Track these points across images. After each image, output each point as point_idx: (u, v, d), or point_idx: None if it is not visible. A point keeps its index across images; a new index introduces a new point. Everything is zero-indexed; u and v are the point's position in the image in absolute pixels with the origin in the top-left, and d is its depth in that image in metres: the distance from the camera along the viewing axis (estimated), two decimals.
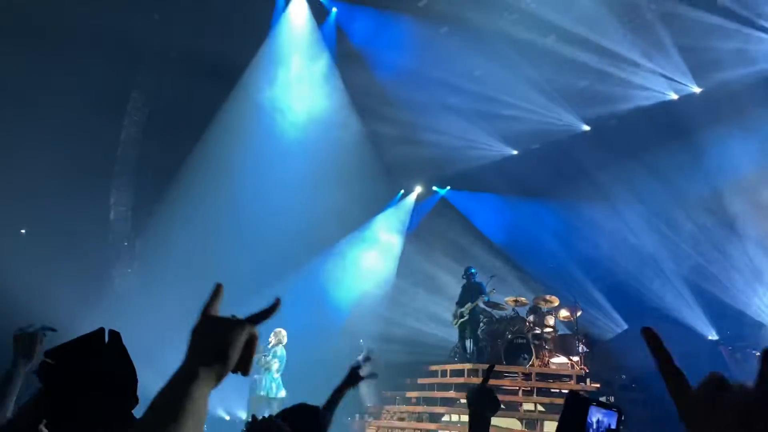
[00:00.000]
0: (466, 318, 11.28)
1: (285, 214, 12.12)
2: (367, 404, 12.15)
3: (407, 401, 11.37)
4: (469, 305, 11.23)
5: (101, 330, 1.78)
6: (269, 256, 12.00)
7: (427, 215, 15.94)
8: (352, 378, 3.48)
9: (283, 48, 12.78)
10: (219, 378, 1.03)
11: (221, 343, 1.04)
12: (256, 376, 9.73)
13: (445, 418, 10.45)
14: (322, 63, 12.85)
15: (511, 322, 11.15)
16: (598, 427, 1.66)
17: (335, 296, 14.31)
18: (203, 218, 12.01)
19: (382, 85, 12.70)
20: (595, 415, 1.66)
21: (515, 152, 14.31)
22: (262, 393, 9.70)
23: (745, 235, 11.34)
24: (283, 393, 9.74)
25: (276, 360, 9.82)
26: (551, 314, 11.40)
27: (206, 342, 1.04)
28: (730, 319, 11.22)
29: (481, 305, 11.45)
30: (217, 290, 1.11)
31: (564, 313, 11.46)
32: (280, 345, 9.93)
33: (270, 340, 9.94)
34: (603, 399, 1.73)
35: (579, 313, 11.24)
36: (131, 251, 13.57)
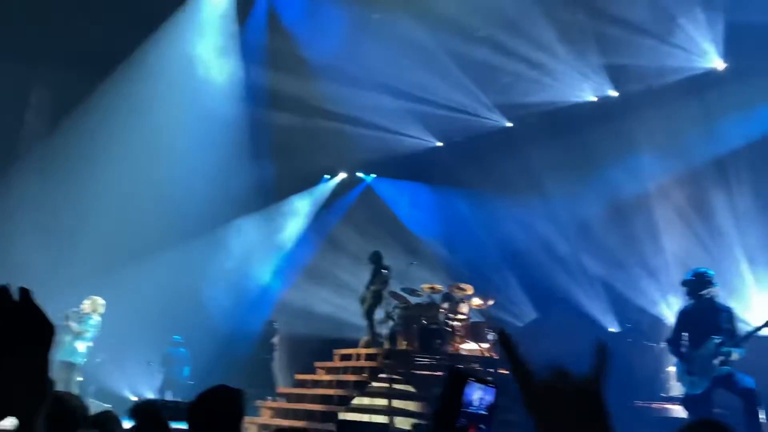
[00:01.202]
0: (370, 302, 11.42)
1: (190, 188, 11.96)
2: (277, 386, 12.08)
3: (318, 384, 11.35)
4: (372, 288, 11.36)
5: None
6: (173, 222, 11.87)
7: (351, 201, 16.01)
8: None
9: (210, 14, 12.53)
10: None
11: None
12: (66, 338, 9.47)
13: (356, 401, 10.51)
14: (250, 37, 12.64)
15: (425, 308, 11.32)
16: (480, 404, 1.66)
17: (250, 273, 14.23)
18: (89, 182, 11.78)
19: (311, 66, 12.63)
20: (476, 392, 1.65)
21: (440, 144, 14.53)
22: (65, 358, 9.44)
23: (649, 235, 11.98)
24: (83, 360, 9.61)
25: (87, 328, 9.59)
26: (465, 302, 11.67)
27: None
28: (631, 313, 11.84)
29: (400, 291, 11.59)
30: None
31: (477, 301, 11.75)
32: (95, 313, 9.71)
33: (83, 306, 9.71)
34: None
35: (491, 302, 11.55)
36: None
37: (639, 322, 11.59)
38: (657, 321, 11.44)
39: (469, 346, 11.31)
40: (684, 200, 11.64)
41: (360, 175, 16.30)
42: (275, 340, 12.96)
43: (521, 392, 0.89)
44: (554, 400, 0.87)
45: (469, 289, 11.72)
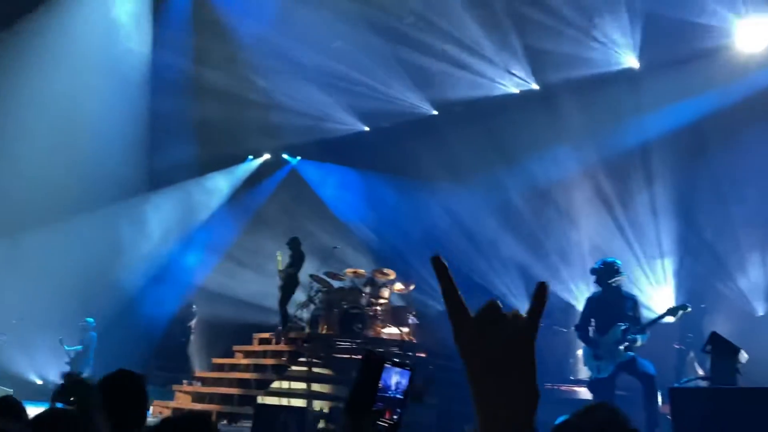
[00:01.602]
0: (285, 286, 11.40)
1: (105, 157, 11.48)
2: (193, 369, 11.84)
3: (235, 368, 11.20)
4: (288, 270, 11.31)
5: None
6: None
7: (275, 184, 15.79)
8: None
9: None
10: None
11: None
12: None
13: (275, 385, 10.45)
14: (173, 5, 12.20)
15: (347, 292, 11.36)
16: (396, 389, 1.66)
17: (167, 251, 13.85)
18: None
19: (238, 45, 12.33)
20: (393, 377, 1.65)
21: (366, 128, 14.52)
22: None
23: (565, 224, 12.45)
24: None
25: None
26: (386, 287, 11.79)
27: None
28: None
29: (322, 275, 11.57)
30: None
31: (399, 286, 11.90)
32: None
33: None
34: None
35: (412, 287, 11.72)
36: None
37: (551, 307, 12.07)
38: (569, 307, 11.94)
39: (389, 330, 11.45)
40: (598, 191, 12.15)
41: (285, 156, 16.10)
42: (192, 323, 12.67)
43: (453, 325, 0.85)
44: (486, 336, 0.83)
45: (392, 274, 11.84)
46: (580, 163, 12.05)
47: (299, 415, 7.07)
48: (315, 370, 10.28)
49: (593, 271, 7.29)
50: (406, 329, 11.31)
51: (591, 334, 7.16)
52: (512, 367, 0.82)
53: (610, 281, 7.09)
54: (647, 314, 8.02)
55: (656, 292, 10.96)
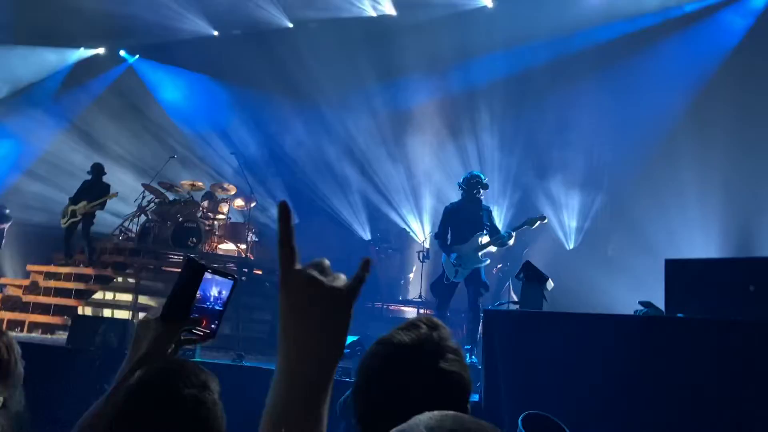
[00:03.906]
0: (77, 218, 10.29)
1: None
2: (5, 275, 10.89)
3: (54, 276, 10.42)
4: (84, 204, 10.27)
5: None
6: None
7: (108, 83, 14.43)
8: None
9: None
10: None
11: None
12: None
13: (97, 296, 9.91)
14: None
15: (184, 205, 10.89)
16: (216, 300, 1.62)
17: None
18: None
19: None
20: (213, 288, 1.61)
21: (215, 33, 13.63)
22: None
23: (408, 155, 12.76)
24: None
25: None
26: (226, 202, 11.46)
27: None
28: (382, 223, 12.69)
29: (156, 185, 10.93)
30: None
31: (239, 202, 11.62)
32: None
33: None
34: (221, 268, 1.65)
35: (253, 204, 11.49)
36: None
37: (387, 232, 12.48)
38: (403, 232, 12.42)
39: (226, 246, 11.22)
40: (443, 124, 12.53)
41: (122, 53, 14.72)
42: (5, 227, 11.49)
43: (281, 271, 0.88)
44: (309, 291, 0.87)
45: (232, 189, 11.52)
46: (427, 95, 12.30)
47: (121, 327, 6.76)
48: (142, 282, 9.86)
49: (461, 182, 7.57)
50: (243, 246, 11.14)
51: (449, 241, 7.50)
52: (324, 327, 0.88)
53: (474, 192, 7.43)
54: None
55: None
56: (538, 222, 7.34)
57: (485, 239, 7.38)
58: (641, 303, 4.84)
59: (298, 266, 0.89)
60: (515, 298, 6.51)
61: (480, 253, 7.36)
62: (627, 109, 10.29)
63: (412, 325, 1.37)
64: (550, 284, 5.56)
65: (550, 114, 11.16)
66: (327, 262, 0.92)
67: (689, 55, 10.08)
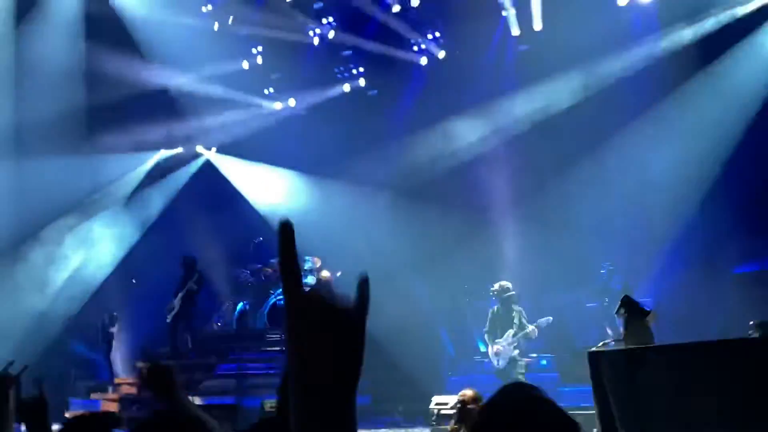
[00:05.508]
0: (176, 310, 10.57)
1: None
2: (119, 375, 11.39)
3: None
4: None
5: None
6: None
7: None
8: None
9: None
10: None
11: None
12: None
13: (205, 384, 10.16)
14: None
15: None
16: None
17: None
18: None
19: None
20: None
21: None
22: None
23: None
24: None
25: None
26: (312, 273, 11.58)
27: None
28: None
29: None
30: None
31: (325, 273, 11.72)
32: None
33: None
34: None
35: (339, 273, 11.47)
36: None
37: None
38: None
39: None
40: None
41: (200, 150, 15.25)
42: (114, 329, 12.09)
43: (286, 297, 0.82)
44: (317, 313, 0.81)
45: (318, 262, 11.64)
46: None
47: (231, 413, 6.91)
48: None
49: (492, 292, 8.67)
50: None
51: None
52: (339, 351, 0.81)
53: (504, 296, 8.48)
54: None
55: None
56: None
57: None
58: (756, 324, 4.55)
59: (304, 290, 0.82)
60: (610, 334, 6.26)
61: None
62: None
63: (507, 388, 1.45)
64: (653, 316, 5.33)
65: None
66: (332, 282, 0.86)
67: None
